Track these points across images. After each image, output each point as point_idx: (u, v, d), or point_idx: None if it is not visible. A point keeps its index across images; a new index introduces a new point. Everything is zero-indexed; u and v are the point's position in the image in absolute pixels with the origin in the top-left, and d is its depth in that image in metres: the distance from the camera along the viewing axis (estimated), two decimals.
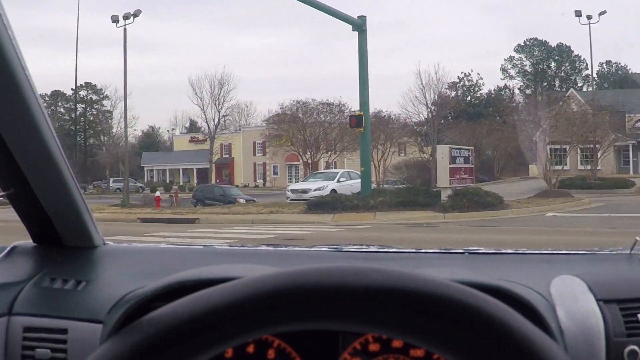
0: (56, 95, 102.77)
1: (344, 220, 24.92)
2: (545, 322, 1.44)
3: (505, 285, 1.54)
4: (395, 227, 21.92)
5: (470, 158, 29.56)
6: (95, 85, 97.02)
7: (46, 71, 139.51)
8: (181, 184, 76.12)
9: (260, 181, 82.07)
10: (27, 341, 1.66)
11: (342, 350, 1.62)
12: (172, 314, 0.94)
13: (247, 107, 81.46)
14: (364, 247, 2.20)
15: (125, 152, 45.02)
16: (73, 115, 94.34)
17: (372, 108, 30.67)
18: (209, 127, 67.58)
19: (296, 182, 60.17)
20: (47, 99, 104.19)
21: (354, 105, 51.78)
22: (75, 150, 76.95)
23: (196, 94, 67.88)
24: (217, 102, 68.14)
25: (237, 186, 57.06)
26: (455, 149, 29.17)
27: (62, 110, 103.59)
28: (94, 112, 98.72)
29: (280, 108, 60.10)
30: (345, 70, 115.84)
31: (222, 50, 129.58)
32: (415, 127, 56.18)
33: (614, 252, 1.99)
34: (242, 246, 2.30)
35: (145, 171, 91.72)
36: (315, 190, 36.50)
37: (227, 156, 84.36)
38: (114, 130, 79.89)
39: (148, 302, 1.54)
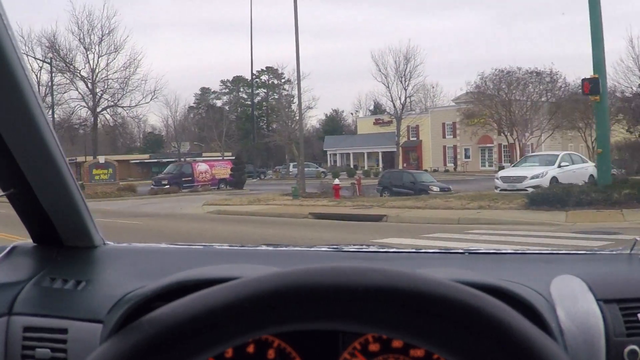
0: (238, 80, 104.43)
1: (583, 221, 19.39)
2: (545, 322, 1.45)
3: (505, 285, 1.54)
4: None
5: None
6: (276, 69, 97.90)
7: (229, 58, 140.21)
8: (366, 168, 72.49)
9: (450, 165, 78.43)
10: (27, 341, 1.68)
11: (342, 350, 1.64)
12: (172, 314, 0.95)
13: (433, 88, 75.27)
14: (364, 247, 2.20)
15: (300, 136, 40.15)
16: (255, 100, 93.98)
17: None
18: (394, 106, 63.69)
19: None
20: (228, 84, 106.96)
21: (568, 77, 43.80)
22: (253, 134, 73.01)
23: (380, 71, 63.83)
24: (403, 78, 63.70)
25: (425, 171, 50.34)
26: None
27: (244, 95, 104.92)
28: (276, 97, 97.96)
29: (480, 78, 52.52)
30: (538, 53, 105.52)
31: (405, 34, 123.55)
32: (624, 103, 47.01)
33: (614, 252, 1.98)
34: (242, 246, 2.26)
35: (329, 155, 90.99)
36: (532, 178, 29.99)
37: (415, 139, 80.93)
38: (295, 114, 75.46)
39: (148, 302, 1.56)
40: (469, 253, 2.02)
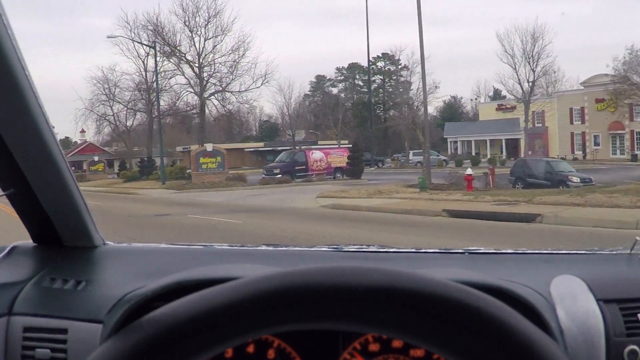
0: (353, 67, 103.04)
1: None
2: (545, 322, 1.45)
3: (506, 285, 1.55)
4: None
5: None
6: (392, 56, 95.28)
7: (344, 45, 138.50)
8: (489, 156, 66.75)
9: (578, 153, 73.49)
10: (27, 341, 1.70)
11: (342, 350, 1.64)
12: (172, 314, 0.96)
13: (555, 72, 68.65)
14: (364, 247, 2.17)
15: (425, 121, 35.39)
16: (371, 87, 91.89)
17: None
18: (522, 88, 56.96)
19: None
20: (344, 71, 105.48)
21: None
22: (370, 122, 69.13)
23: (506, 51, 60.99)
24: (531, 59, 60.22)
25: (560, 159, 45.50)
26: None
27: (360, 82, 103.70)
28: (392, 83, 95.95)
29: (629, 52, 46.69)
30: None
31: (528, 19, 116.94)
32: None
33: (614, 252, 1.96)
34: (242, 246, 2.23)
35: (449, 143, 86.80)
36: None
37: (540, 125, 75.77)
38: (414, 100, 71.69)
39: (148, 302, 1.58)
40: (469, 253, 2.00)
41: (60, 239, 2.00)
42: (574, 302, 1.55)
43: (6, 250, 2.04)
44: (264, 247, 2.19)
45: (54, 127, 1.67)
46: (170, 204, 30.42)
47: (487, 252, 2.03)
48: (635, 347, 1.47)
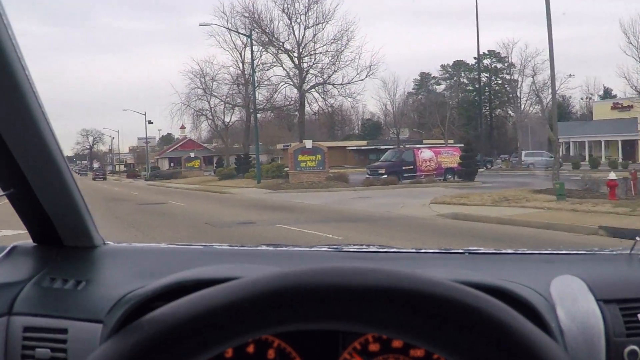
0: (458, 65, 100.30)
1: None
2: (546, 322, 1.46)
3: (506, 285, 1.55)
4: None
5: None
6: (499, 53, 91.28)
7: (449, 42, 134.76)
8: (603, 159, 63.33)
9: None
10: (27, 341, 1.71)
11: (342, 350, 1.65)
12: (172, 314, 0.97)
13: None
14: (364, 247, 2.16)
15: (553, 119, 29.82)
16: (477, 85, 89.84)
17: None
18: None
19: None
20: (449, 69, 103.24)
21: None
22: (479, 121, 64.31)
23: (630, 43, 55.79)
24: None
25: None
26: None
27: (465, 80, 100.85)
28: (499, 82, 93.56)
29: None
30: None
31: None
32: None
33: (614, 252, 1.95)
34: (242, 246, 2.21)
35: (561, 143, 75.96)
36: None
37: None
38: (523, 99, 67.45)
39: (148, 302, 1.61)
40: (469, 253, 1.98)
41: (60, 239, 2.01)
42: (574, 303, 1.55)
43: (6, 250, 2.05)
44: (264, 247, 2.18)
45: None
46: (261, 207, 28.13)
47: (487, 252, 2.01)
48: (635, 347, 1.47)
